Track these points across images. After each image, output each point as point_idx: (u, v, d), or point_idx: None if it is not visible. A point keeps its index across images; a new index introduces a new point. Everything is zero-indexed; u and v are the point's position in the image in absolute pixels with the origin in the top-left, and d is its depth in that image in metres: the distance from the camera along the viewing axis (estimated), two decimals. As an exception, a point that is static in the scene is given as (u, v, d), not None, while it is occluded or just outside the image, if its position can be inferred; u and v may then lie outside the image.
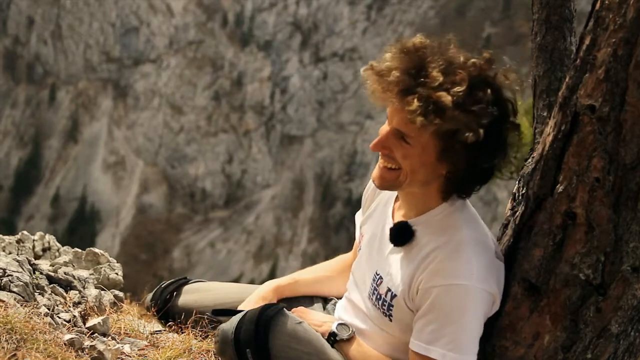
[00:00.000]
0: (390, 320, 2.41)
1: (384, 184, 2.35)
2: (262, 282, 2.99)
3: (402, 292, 2.34)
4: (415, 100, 2.13)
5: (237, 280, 48.91)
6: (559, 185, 2.21)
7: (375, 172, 2.36)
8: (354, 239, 2.82)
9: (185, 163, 61.23)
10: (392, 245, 2.43)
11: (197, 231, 59.36)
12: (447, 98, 2.12)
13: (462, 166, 2.25)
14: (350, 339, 2.51)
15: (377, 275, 2.45)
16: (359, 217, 2.75)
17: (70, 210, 60.92)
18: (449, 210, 2.36)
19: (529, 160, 2.62)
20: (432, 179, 2.31)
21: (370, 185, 2.70)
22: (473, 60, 2.22)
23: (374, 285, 2.46)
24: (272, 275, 51.96)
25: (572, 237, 2.20)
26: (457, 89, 2.14)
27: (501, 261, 2.36)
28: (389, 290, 2.39)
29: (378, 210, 2.61)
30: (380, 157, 2.33)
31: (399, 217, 2.47)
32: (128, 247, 57.76)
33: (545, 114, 2.87)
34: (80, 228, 58.78)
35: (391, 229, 2.43)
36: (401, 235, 2.39)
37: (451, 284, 2.23)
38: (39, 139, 62.59)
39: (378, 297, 2.43)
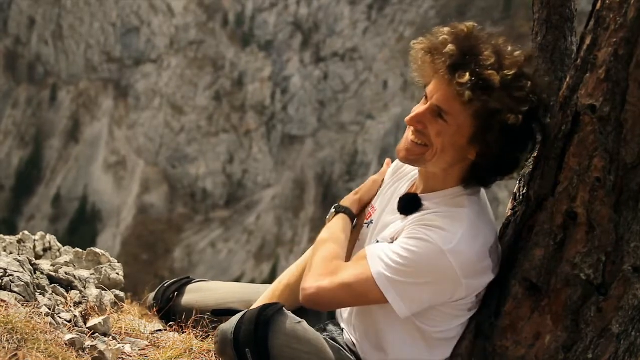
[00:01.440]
0: None
1: (409, 157, 2.38)
2: (263, 282, 2.97)
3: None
4: (468, 74, 2.20)
5: (238, 280, 48.87)
6: (559, 185, 2.22)
7: (401, 144, 2.40)
8: None
9: (186, 163, 61.19)
10: (396, 215, 2.46)
11: (198, 231, 59.31)
12: (496, 77, 2.20)
13: (492, 152, 2.28)
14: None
15: (377, 243, 2.48)
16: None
17: (71, 210, 60.88)
18: (459, 193, 2.39)
19: (530, 160, 2.62)
20: (457, 162, 2.35)
21: (397, 165, 2.72)
22: (519, 52, 2.30)
23: None
24: (272, 275, 51.93)
25: (573, 237, 2.20)
26: (507, 71, 2.22)
27: (493, 263, 2.35)
28: None
29: (393, 186, 2.65)
30: (411, 132, 2.37)
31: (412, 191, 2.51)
32: (129, 247, 57.74)
33: (546, 113, 2.87)
34: (81, 228, 58.75)
35: (400, 198, 2.47)
36: (409, 205, 2.43)
37: (427, 238, 2.25)
38: (40, 139, 62.56)
39: None
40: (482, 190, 2.46)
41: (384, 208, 2.60)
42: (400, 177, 2.68)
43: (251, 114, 61.52)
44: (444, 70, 2.24)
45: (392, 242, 2.37)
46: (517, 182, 2.67)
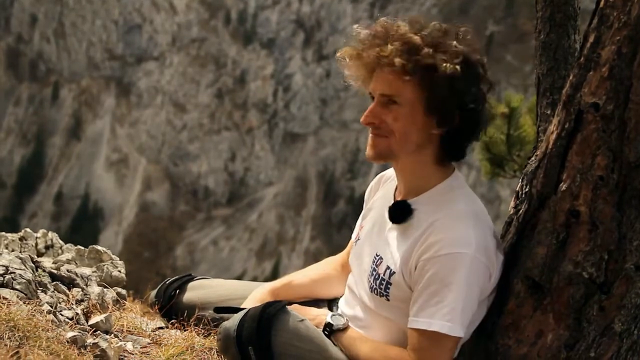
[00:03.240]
0: (388, 300, 2.41)
1: (378, 153, 2.38)
2: (265, 280, 2.98)
3: (401, 268, 2.36)
4: (388, 45, 2.28)
5: (239, 277, 48.86)
6: (562, 183, 2.21)
7: (367, 147, 2.41)
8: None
9: (188, 161, 61.21)
10: (390, 225, 2.45)
11: (200, 229, 59.36)
12: (416, 37, 2.29)
13: (449, 112, 2.30)
14: (345, 329, 2.52)
15: (377, 256, 2.47)
16: (360, 217, 2.77)
17: (73, 208, 60.95)
18: (448, 189, 2.40)
19: (532, 158, 2.61)
20: (425, 141, 2.34)
21: (372, 183, 2.74)
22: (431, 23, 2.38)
23: (373, 266, 2.47)
24: (274, 272, 51.91)
25: (576, 236, 2.20)
26: (424, 32, 2.31)
27: (497, 241, 2.38)
28: (387, 268, 2.41)
29: (379, 200, 2.63)
30: (370, 132, 2.39)
31: (399, 199, 2.49)
32: (131, 244, 57.79)
33: (548, 112, 2.87)
34: (83, 226, 58.80)
35: (390, 208, 2.46)
36: (400, 213, 2.42)
37: (450, 253, 2.24)
38: (42, 136, 62.62)
39: (376, 277, 2.44)
40: (460, 174, 2.46)
41: (377, 219, 2.58)
42: (385, 186, 2.68)
43: (253, 112, 61.53)
44: (371, 56, 2.31)
45: (405, 277, 2.35)
46: (520, 180, 2.67)
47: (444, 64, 2.24)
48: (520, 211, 2.44)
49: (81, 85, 63.61)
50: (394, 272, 2.38)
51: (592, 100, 2.12)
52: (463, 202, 2.36)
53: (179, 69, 62.97)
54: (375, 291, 2.44)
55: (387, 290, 2.40)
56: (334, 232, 56.82)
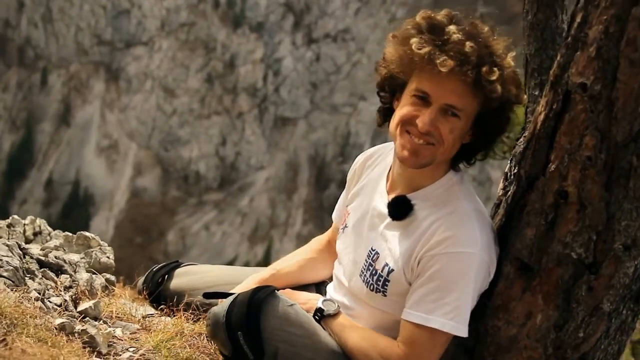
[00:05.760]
0: (385, 296, 2.40)
1: (421, 162, 2.32)
2: (257, 265, 2.97)
3: (402, 266, 2.35)
4: (496, 70, 2.21)
5: (232, 262, 48.92)
6: (550, 164, 2.21)
7: (404, 151, 2.31)
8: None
9: (178, 146, 60.98)
10: (387, 221, 2.43)
11: (192, 214, 59.25)
12: (510, 63, 2.27)
13: (493, 130, 2.35)
14: (336, 314, 2.51)
15: (373, 250, 2.45)
16: (342, 198, 2.75)
17: (63, 194, 60.71)
18: (449, 184, 2.38)
19: (521, 139, 2.61)
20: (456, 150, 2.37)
21: (355, 165, 2.71)
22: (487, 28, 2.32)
23: (369, 261, 2.45)
24: (267, 257, 51.96)
25: (564, 216, 2.20)
26: (510, 54, 2.29)
27: (495, 235, 2.38)
28: (386, 265, 2.39)
29: (367, 188, 2.60)
30: (414, 137, 2.30)
31: (394, 194, 2.46)
32: (122, 230, 57.68)
33: (537, 92, 2.86)
34: (74, 212, 58.60)
35: (389, 204, 2.44)
36: (400, 209, 2.40)
37: (457, 251, 2.25)
38: (31, 123, 62.22)
39: (373, 272, 2.42)
40: (464, 175, 2.45)
41: (366, 210, 2.56)
42: (372, 171, 2.65)
43: (243, 96, 61.29)
44: (471, 70, 2.19)
45: (405, 275, 2.35)
46: (509, 161, 2.66)
47: (523, 96, 2.31)
48: (509, 193, 2.43)
49: (70, 71, 63.19)
50: (393, 270, 2.37)
51: (580, 80, 2.10)
52: (465, 200, 2.35)
53: (168, 54, 62.60)
54: (372, 287, 2.43)
55: (385, 287, 2.39)
56: (326, 216, 56.77)
